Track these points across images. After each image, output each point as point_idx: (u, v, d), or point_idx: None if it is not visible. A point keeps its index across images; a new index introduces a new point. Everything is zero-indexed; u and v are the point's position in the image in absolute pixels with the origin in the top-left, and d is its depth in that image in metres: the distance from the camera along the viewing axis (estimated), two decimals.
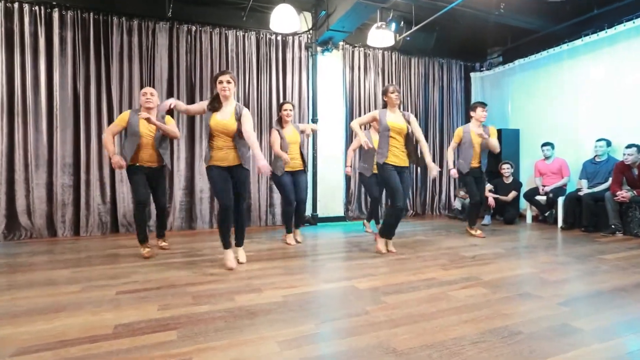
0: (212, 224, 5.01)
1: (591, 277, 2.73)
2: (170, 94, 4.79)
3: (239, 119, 2.89)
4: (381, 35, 5.02)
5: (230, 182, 2.95)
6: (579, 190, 4.86)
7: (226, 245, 3.01)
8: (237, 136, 2.90)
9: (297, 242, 4.05)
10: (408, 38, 5.57)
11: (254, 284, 2.59)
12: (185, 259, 3.31)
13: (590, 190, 4.71)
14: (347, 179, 5.85)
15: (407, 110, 6.18)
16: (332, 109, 5.73)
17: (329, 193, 5.72)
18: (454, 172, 4.35)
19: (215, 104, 2.90)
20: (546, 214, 5.34)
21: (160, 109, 3.14)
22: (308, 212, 5.40)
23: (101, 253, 3.57)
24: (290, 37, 5.41)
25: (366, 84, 5.97)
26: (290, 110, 3.93)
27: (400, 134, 3.39)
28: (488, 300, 2.27)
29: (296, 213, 4.15)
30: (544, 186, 5.24)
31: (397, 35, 5.39)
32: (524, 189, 5.54)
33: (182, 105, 3.03)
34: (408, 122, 3.45)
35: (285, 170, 3.92)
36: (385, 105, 3.50)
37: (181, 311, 2.10)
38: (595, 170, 4.81)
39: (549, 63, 5.62)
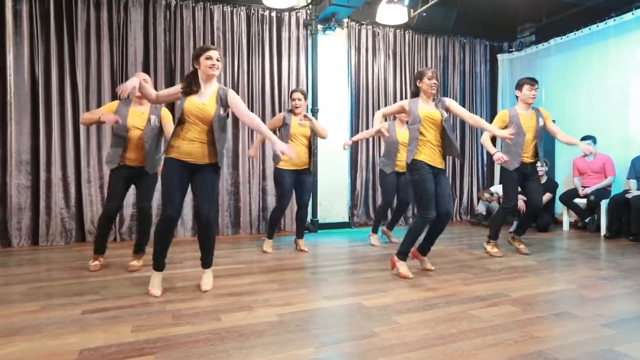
0: (195, 232, 5.02)
1: None
2: None
3: (222, 103, 2.74)
4: (392, 11, 5.02)
5: (187, 186, 2.76)
6: (626, 192, 4.86)
7: (159, 265, 2.81)
8: (218, 127, 2.73)
9: (302, 251, 4.16)
10: (424, 14, 5.57)
11: (243, 301, 2.59)
12: (163, 272, 3.29)
13: None
14: (353, 177, 5.85)
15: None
16: (335, 97, 5.74)
17: (332, 195, 5.73)
18: (499, 156, 3.66)
19: (194, 87, 2.70)
20: (586, 220, 5.32)
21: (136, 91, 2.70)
22: (307, 217, 5.40)
23: (64, 265, 3.57)
24: (286, 13, 5.41)
25: (375, 67, 5.98)
26: (299, 100, 3.98)
27: (433, 125, 3.25)
28: (517, 320, 2.27)
29: (297, 220, 4.23)
30: (584, 187, 5.23)
31: (411, 10, 5.39)
32: (560, 191, 5.54)
33: (148, 88, 2.77)
34: (446, 109, 3.31)
35: (288, 168, 3.95)
36: (416, 94, 3.36)
37: (158, 333, 2.10)
38: None
39: (591, 42, 5.62)
